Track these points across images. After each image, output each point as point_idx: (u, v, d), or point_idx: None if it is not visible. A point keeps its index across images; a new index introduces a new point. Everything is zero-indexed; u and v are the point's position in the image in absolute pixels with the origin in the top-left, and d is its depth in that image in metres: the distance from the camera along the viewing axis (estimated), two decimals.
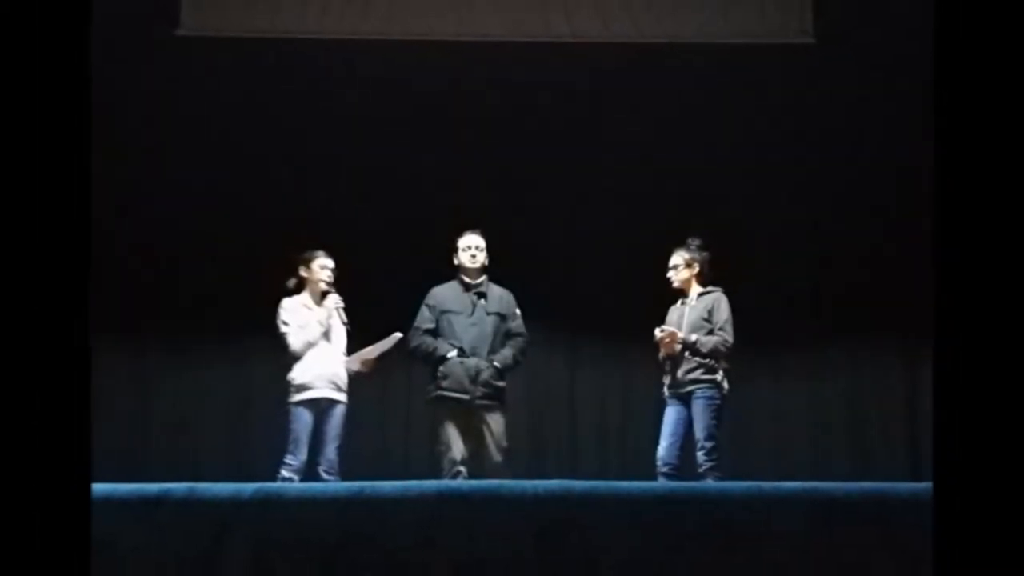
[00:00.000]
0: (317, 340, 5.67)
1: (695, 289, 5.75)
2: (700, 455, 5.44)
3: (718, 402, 5.52)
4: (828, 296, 7.27)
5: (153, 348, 7.21)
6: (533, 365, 6.46)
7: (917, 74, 4.89)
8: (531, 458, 6.83)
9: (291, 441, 5.55)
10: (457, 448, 5.53)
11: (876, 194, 7.24)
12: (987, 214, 2.74)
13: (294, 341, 5.64)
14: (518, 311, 5.84)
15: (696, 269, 5.74)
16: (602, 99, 7.23)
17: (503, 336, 5.77)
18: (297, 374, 5.62)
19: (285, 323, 5.67)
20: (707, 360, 5.54)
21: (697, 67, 7.17)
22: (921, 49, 3.91)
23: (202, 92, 7.13)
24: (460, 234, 5.85)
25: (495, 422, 5.61)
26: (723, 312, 5.62)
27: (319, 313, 5.72)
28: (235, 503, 3.86)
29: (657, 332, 5.63)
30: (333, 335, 5.75)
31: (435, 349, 5.69)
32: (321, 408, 5.63)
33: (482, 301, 5.77)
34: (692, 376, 5.54)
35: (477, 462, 5.56)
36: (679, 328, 5.63)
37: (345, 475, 5.50)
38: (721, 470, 5.41)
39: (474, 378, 5.58)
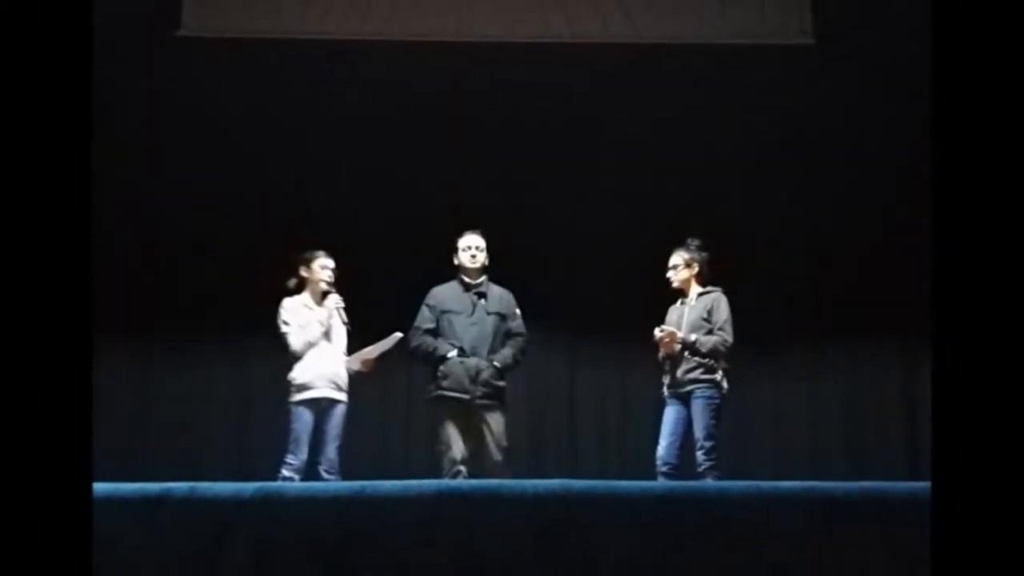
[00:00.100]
0: (318, 340, 5.68)
1: (694, 289, 5.76)
2: (699, 455, 5.45)
3: (717, 402, 5.52)
4: (828, 296, 7.28)
5: (154, 348, 7.22)
6: (533, 365, 6.47)
7: (916, 74, 4.89)
8: (531, 458, 6.84)
9: (292, 441, 5.56)
10: (457, 447, 5.54)
11: (876, 194, 7.25)
12: (985, 214, 2.75)
13: (295, 341, 5.65)
14: (518, 311, 5.85)
15: (695, 269, 5.75)
16: (602, 99, 7.24)
17: (503, 336, 5.78)
18: (298, 374, 5.63)
19: (286, 323, 5.68)
20: (706, 360, 5.55)
21: (696, 68, 7.17)
22: (920, 49, 3.92)
23: (203, 92, 7.14)
24: (460, 234, 5.86)
25: (495, 422, 5.62)
26: (722, 312, 5.63)
27: (320, 313, 5.73)
28: (236, 502, 3.87)
29: (657, 332, 5.64)
30: (334, 335, 5.77)
31: (435, 349, 5.70)
32: (322, 408, 5.64)
33: (482, 301, 5.78)
34: (691, 376, 5.55)
35: (477, 461, 5.57)
36: (678, 328, 5.64)
37: (346, 474, 5.51)
38: (720, 470, 5.41)
39: (474, 378, 5.59)
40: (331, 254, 5.84)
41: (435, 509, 3.85)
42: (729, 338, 5.59)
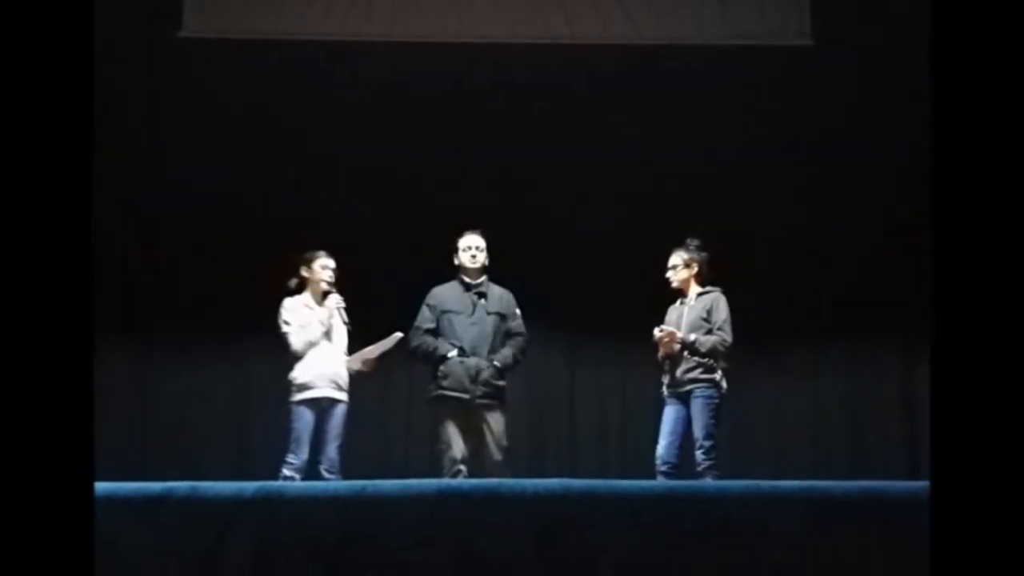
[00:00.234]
0: (318, 340, 5.69)
1: (694, 289, 5.76)
2: (699, 454, 5.45)
3: (717, 401, 5.53)
4: (828, 296, 7.28)
5: (154, 348, 7.23)
6: (533, 365, 6.48)
7: (915, 74, 4.89)
8: (531, 457, 6.85)
9: (292, 440, 5.57)
10: (457, 447, 5.55)
11: (875, 194, 7.25)
12: (984, 214, 2.76)
13: (295, 341, 5.66)
14: (518, 311, 5.86)
15: (695, 269, 5.76)
16: (602, 100, 7.25)
17: (503, 336, 5.79)
18: (298, 373, 5.64)
19: (287, 323, 5.69)
20: (706, 359, 5.55)
21: (696, 68, 7.18)
22: (919, 49, 3.92)
23: (204, 93, 7.14)
24: (460, 234, 5.87)
25: (495, 421, 5.62)
26: (722, 312, 5.64)
27: (320, 313, 5.74)
28: (237, 502, 3.88)
29: (656, 332, 5.65)
30: (334, 335, 5.77)
31: (435, 349, 5.71)
32: (322, 407, 5.65)
33: (482, 301, 5.79)
34: (691, 375, 5.56)
35: (477, 461, 5.58)
36: (678, 328, 5.65)
37: (346, 474, 5.52)
38: (720, 469, 5.42)
39: (474, 377, 5.60)
40: (331, 254, 5.85)
41: (435, 508, 3.86)
42: (728, 338, 5.59)
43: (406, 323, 5.82)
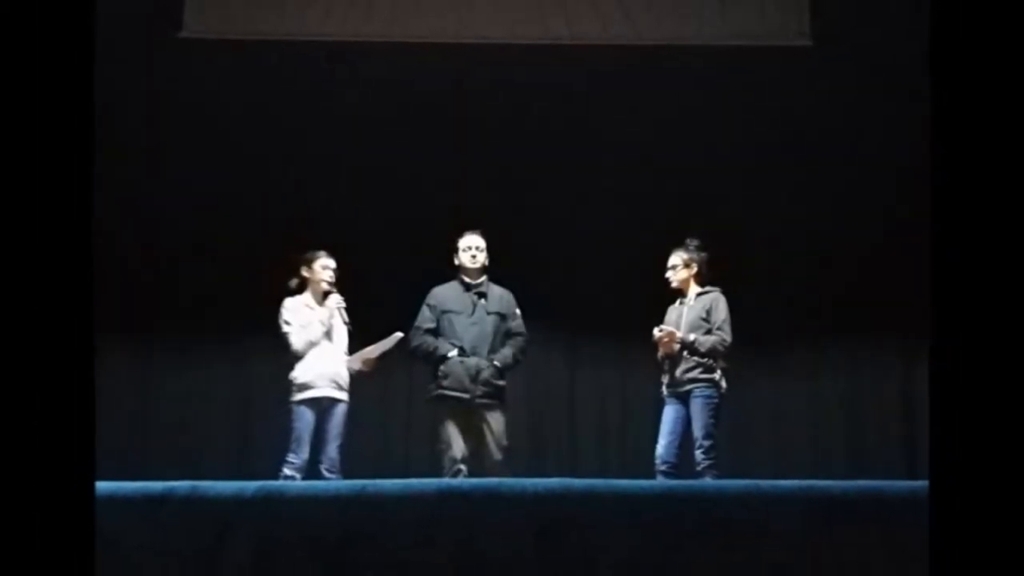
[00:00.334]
0: (319, 340, 5.70)
1: (693, 289, 5.77)
2: (698, 453, 5.47)
3: (716, 401, 5.54)
4: (828, 296, 7.28)
5: (154, 348, 7.23)
6: (533, 365, 6.49)
7: (914, 74, 4.89)
8: (531, 457, 6.85)
9: (293, 440, 5.58)
10: (457, 446, 5.56)
11: (875, 194, 7.25)
12: (984, 214, 2.76)
13: (296, 340, 5.67)
14: (518, 311, 5.87)
15: (694, 269, 5.77)
16: (602, 100, 7.25)
17: (503, 335, 5.80)
18: (299, 373, 5.65)
19: (287, 323, 5.70)
20: (705, 359, 5.56)
21: (696, 68, 7.18)
22: (918, 49, 3.92)
23: (204, 93, 7.14)
24: (460, 234, 5.88)
25: (495, 421, 5.63)
26: (721, 312, 5.65)
27: (321, 313, 5.75)
28: (238, 501, 3.89)
29: (656, 331, 5.66)
30: (335, 335, 5.78)
31: (436, 348, 5.72)
32: (323, 407, 5.66)
33: (482, 301, 5.80)
34: (690, 375, 5.57)
35: (477, 460, 5.59)
36: (677, 328, 5.66)
37: (347, 473, 5.53)
38: (720, 469, 5.43)
39: (474, 377, 5.61)
40: (331, 254, 5.87)
41: (435, 508, 3.87)
42: (727, 338, 5.60)
43: (406, 323, 5.83)
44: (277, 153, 7.26)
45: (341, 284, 5.85)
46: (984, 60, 2.80)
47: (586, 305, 7.18)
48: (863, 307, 7.15)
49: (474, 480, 5.04)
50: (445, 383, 5.63)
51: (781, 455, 6.93)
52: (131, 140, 6.91)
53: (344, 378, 5.74)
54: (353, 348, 5.83)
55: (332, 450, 5.63)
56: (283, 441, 5.61)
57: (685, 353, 5.59)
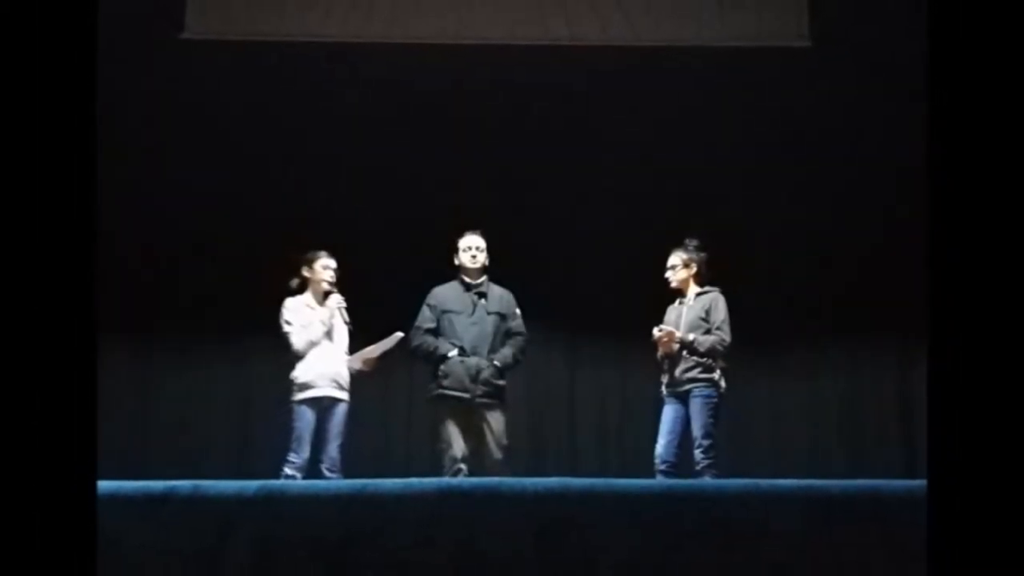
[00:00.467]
0: (320, 339, 5.71)
1: (693, 289, 5.78)
2: (697, 453, 5.47)
3: (715, 400, 5.55)
4: (827, 296, 7.29)
5: (154, 348, 7.24)
6: (533, 365, 6.49)
7: (913, 74, 4.90)
8: (531, 457, 6.86)
9: (294, 439, 5.58)
10: (458, 446, 5.57)
11: (875, 194, 7.25)
12: (982, 214, 2.77)
13: (297, 340, 5.68)
14: (518, 311, 5.87)
15: (694, 269, 5.78)
16: (601, 101, 7.26)
17: (503, 335, 5.80)
18: (300, 373, 5.66)
19: (288, 322, 5.71)
20: (704, 359, 5.57)
21: (695, 70, 7.19)
22: (917, 49, 3.93)
23: (205, 94, 7.15)
24: (461, 235, 5.88)
25: (495, 420, 5.64)
26: (720, 312, 5.66)
27: (322, 313, 5.76)
28: (239, 500, 3.89)
29: (655, 331, 5.67)
30: (335, 334, 5.79)
31: (436, 348, 5.73)
32: (323, 406, 5.67)
33: (482, 301, 5.81)
34: (690, 375, 5.58)
35: (477, 460, 5.60)
36: (677, 327, 5.66)
37: (347, 473, 5.54)
38: (719, 468, 5.43)
39: (474, 377, 5.62)
40: (332, 254, 5.87)
41: (436, 507, 3.87)
42: (727, 337, 5.61)
43: (406, 323, 5.84)
44: (278, 153, 7.26)
45: (341, 284, 5.86)
46: (982, 60, 2.81)
47: (586, 305, 7.19)
48: (863, 307, 7.16)
49: (474, 480, 5.04)
50: (445, 383, 5.64)
51: (780, 455, 6.93)
52: (132, 140, 6.92)
53: (345, 378, 5.75)
54: (354, 348, 5.84)
55: (333, 449, 5.64)
56: (284, 441, 5.62)
57: (684, 353, 5.60)
